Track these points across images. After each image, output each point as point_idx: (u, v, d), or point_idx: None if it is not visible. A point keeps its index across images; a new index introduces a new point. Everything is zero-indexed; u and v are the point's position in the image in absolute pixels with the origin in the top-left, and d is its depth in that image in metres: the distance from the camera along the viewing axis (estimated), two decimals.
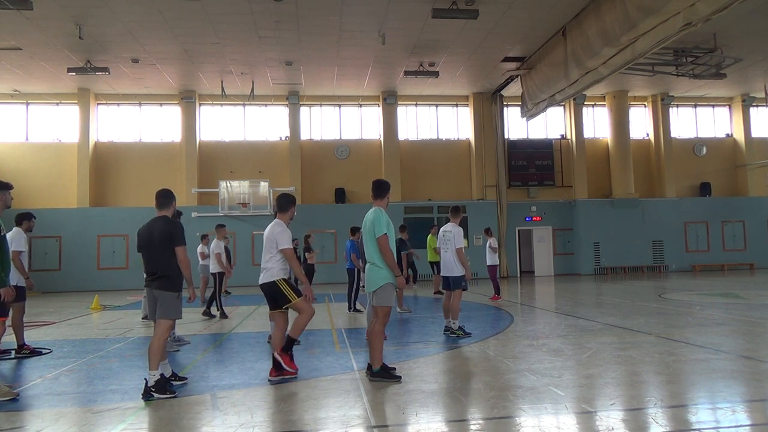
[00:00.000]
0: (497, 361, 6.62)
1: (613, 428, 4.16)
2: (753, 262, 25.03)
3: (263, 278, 5.99)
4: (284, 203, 6.23)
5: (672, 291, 15.45)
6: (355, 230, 11.21)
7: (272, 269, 5.96)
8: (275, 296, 5.99)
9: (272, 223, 6.17)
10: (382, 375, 5.72)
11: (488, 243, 14.13)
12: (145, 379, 5.25)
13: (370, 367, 5.82)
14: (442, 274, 8.88)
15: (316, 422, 4.57)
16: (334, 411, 4.86)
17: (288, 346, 5.86)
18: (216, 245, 11.95)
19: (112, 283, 21.33)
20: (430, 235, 15.57)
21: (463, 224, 24.58)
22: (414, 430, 4.32)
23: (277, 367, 5.86)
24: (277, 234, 6.00)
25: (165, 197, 5.75)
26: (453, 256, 8.51)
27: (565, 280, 21.45)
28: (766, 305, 11.44)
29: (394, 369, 5.89)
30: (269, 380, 5.80)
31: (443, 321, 8.99)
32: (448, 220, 9.09)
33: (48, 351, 7.94)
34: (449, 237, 8.59)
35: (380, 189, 6.05)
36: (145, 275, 5.63)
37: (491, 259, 14.00)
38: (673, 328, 8.72)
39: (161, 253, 5.49)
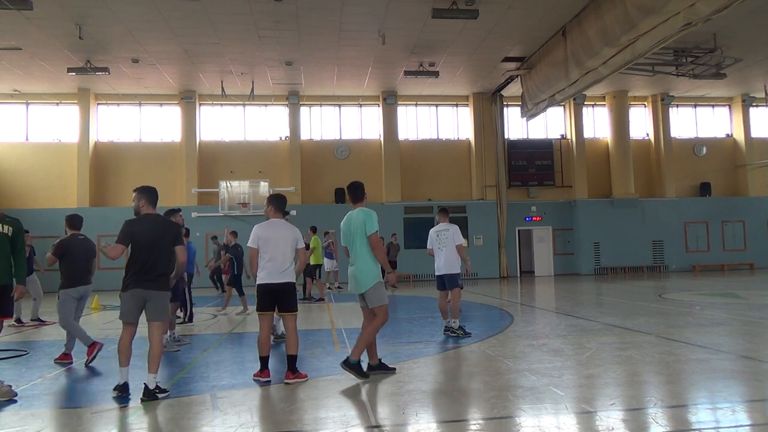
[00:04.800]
0: (497, 361, 6.62)
1: (613, 428, 4.16)
2: (753, 262, 25.02)
3: (286, 277, 5.88)
4: (283, 204, 6.16)
5: (672, 291, 15.45)
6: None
7: (293, 272, 5.97)
8: (288, 298, 5.91)
9: (281, 221, 6.09)
10: (355, 369, 5.76)
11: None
12: (145, 383, 5.23)
13: (374, 367, 5.90)
14: (437, 274, 8.77)
15: (316, 422, 4.57)
16: (334, 411, 4.86)
17: (293, 365, 5.82)
18: None
19: (112, 283, 21.25)
20: (314, 236, 14.78)
21: (457, 224, 24.43)
22: (414, 430, 4.32)
23: (263, 368, 5.86)
24: (297, 234, 6.04)
25: (156, 194, 5.65)
26: (452, 254, 8.48)
27: (565, 280, 21.45)
28: (766, 305, 11.45)
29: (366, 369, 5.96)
30: (256, 380, 5.80)
31: (443, 321, 8.99)
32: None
33: (25, 352, 7.89)
34: (447, 236, 8.54)
35: (358, 191, 6.11)
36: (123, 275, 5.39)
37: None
38: (673, 328, 8.72)
39: (166, 252, 5.48)
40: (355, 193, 6.10)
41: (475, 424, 4.38)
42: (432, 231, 8.82)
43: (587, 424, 4.38)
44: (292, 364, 5.79)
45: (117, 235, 5.40)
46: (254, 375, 5.88)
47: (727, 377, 5.58)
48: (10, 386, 5.47)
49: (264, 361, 5.88)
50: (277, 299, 5.90)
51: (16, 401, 5.29)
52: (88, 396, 5.43)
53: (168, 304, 5.58)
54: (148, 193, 5.58)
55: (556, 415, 4.53)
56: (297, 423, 4.54)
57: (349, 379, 5.86)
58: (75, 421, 4.67)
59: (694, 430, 4.18)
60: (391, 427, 4.40)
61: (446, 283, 8.61)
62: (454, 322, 8.52)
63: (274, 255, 5.87)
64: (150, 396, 5.16)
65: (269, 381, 5.77)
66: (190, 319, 10.53)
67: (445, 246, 8.54)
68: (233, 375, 6.23)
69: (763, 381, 5.42)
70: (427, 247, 8.90)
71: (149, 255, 5.37)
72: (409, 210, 23.62)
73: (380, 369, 6.01)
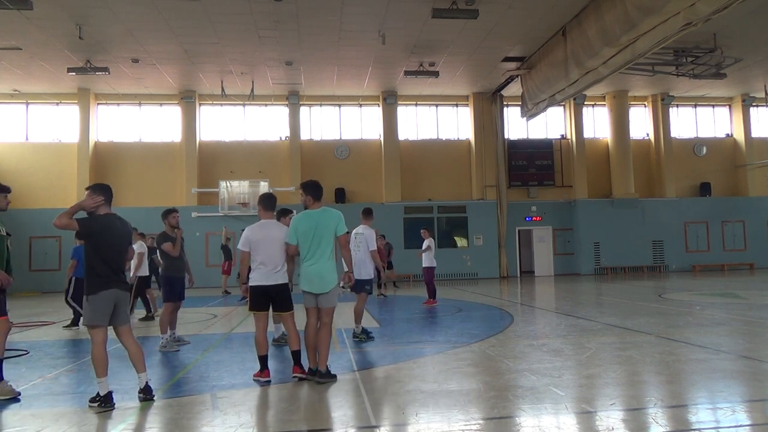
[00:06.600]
0: (497, 361, 6.62)
1: (613, 428, 4.16)
2: (753, 262, 25.02)
3: (279, 279, 5.93)
4: (271, 203, 6.23)
5: (672, 291, 15.45)
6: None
7: (285, 273, 6.00)
8: (284, 298, 5.98)
9: (272, 221, 6.16)
10: (329, 376, 5.74)
11: (426, 244, 13.28)
12: (147, 382, 5.23)
13: (314, 372, 5.77)
14: None
15: (316, 422, 4.57)
16: (334, 411, 4.86)
17: (298, 360, 5.90)
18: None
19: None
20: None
21: (458, 224, 24.49)
22: (414, 430, 4.32)
23: (263, 368, 5.87)
24: (284, 234, 6.06)
25: (111, 193, 5.36)
26: (366, 258, 8.34)
27: (565, 280, 21.45)
28: (766, 305, 11.44)
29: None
30: (256, 380, 5.80)
31: (443, 322, 8.99)
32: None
33: (25, 352, 7.92)
34: (361, 239, 8.42)
35: (318, 189, 6.03)
36: (96, 275, 5.08)
37: (428, 261, 13.16)
38: (673, 328, 8.72)
39: (125, 253, 5.39)
40: (316, 191, 6.01)
41: (475, 424, 4.38)
42: (353, 232, 8.59)
43: (587, 424, 4.38)
44: (297, 359, 5.89)
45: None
46: (254, 375, 5.88)
47: (727, 377, 5.58)
48: (11, 386, 5.47)
49: (263, 360, 5.89)
50: (271, 300, 5.97)
51: (19, 400, 5.31)
52: (88, 396, 5.41)
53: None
54: (108, 193, 5.32)
55: (556, 415, 4.53)
56: (297, 423, 4.54)
57: (349, 379, 5.87)
58: (75, 422, 4.67)
59: (694, 430, 4.18)
60: (391, 427, 4.40)
61: (355, 286, 8.26)
62: (357, 326, 8.40)
63: (266, 256, 5.90)
64: (148, 393, 5.15)
65: (269, 381, 5.78)
66: (75, 323, 10.37)
67: (358, 250, 8.36)
68: (233, 375, 6.23)
69: (763, 381, 5.42)
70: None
71: (119, 256, 5.27)
72: (409, 210, 23.60)
73: (329, 376, 5.81)
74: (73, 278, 10.33)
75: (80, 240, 10.16)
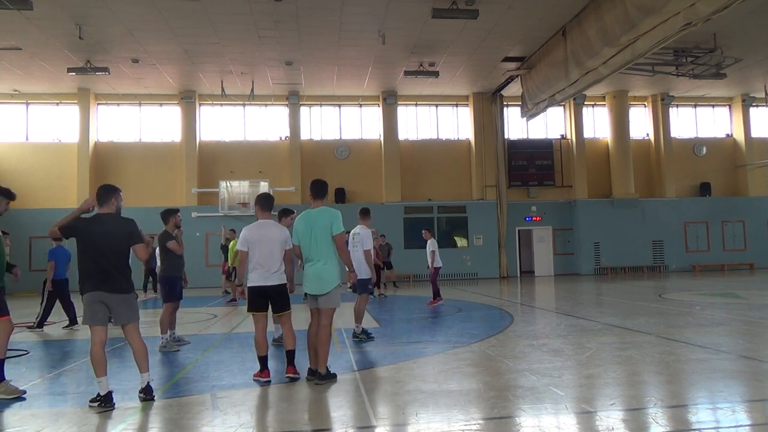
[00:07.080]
0: (497, 361, 6.62)
1: (613, 428, 4.16)
2: (753, 262, 25.02)
3: (276, 280, 5.91)
4: (268, 203, 6.14)
5: (672, 291, 15.45)
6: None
7: (283, 273, 5.99)
8: (282, 298, 5.98)
9: (269, 222, 6.09)
10: (329, 377, 5.73)
11: (430, 247, 13.17)
12: (148, 382, 5.23)
13: (315, 372, 5.76)
14: None
15: (316, 422, 4.57)
16: (334, 411, 4.86)
17: (291, 360, 5.91)
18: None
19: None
20: (233, 240, 14.56)
21: (458, 224, 24.49)
22: (414, 430, 4.32)
23: (263, 368, 5.87)
24: (286, 234, 6.04)
25: (106, 192, 5.34)
26: (361, 258, 8.28)
27: (565, 280, 21.45)
28: (766, 305, 11.45)
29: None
30: (256, 380, 5.79)
31: (443, 322, 8.98)
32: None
33: (25, 352, 7.93)
34: (358, 239, 8.40)
35: (324, 189, 6.02)
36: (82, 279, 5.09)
37: (436, 261, 13.04)
38: (673, 328, 8.72)
39: (123, 253, 5.27)
40: (320, 190, 5.98)
41: (475, 424, 4.38)
42: (351, 232, 8.51)
43: (587, 424, 4.38)
44: (291, 359, 5.90)
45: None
46: (254, 375, 5.88)
47: (727, 377, 5.58)
48: (14, 385, 5.49)
49: (263, 360, 5.89)
50: (269, 300, 5.96)
51: (24, 398, 5.33)
52: (88, 396, 5.42)
53: (136, 304, 5.37)
54: (104, 195, 5.31)
55: (556, 415, 4.53)
56: (297, 423, 4.54)
57: (349, 379, 5.87)
58: (75, 422, 4.67)
59: (694, 430, 4.18)
60: (391, 427, 4.40)
61: (356, 287, 8.28)
62: (357, 326, 8.39)
63: (263, 257, 5.88)
64: (149, 393, 5.15)
65: (269, 381, 5.78)
66: (40, 326, 10.26)
67: (356, 250, 8.31)
68: (233, 375, 6.23)
69: (763, 381, 5.43)
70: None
71: (112, 256, 5.14)
72: (409, 210, 23.59)
73: (329, 377, 5.79)
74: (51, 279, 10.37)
75: (56, 241, 10.28)
